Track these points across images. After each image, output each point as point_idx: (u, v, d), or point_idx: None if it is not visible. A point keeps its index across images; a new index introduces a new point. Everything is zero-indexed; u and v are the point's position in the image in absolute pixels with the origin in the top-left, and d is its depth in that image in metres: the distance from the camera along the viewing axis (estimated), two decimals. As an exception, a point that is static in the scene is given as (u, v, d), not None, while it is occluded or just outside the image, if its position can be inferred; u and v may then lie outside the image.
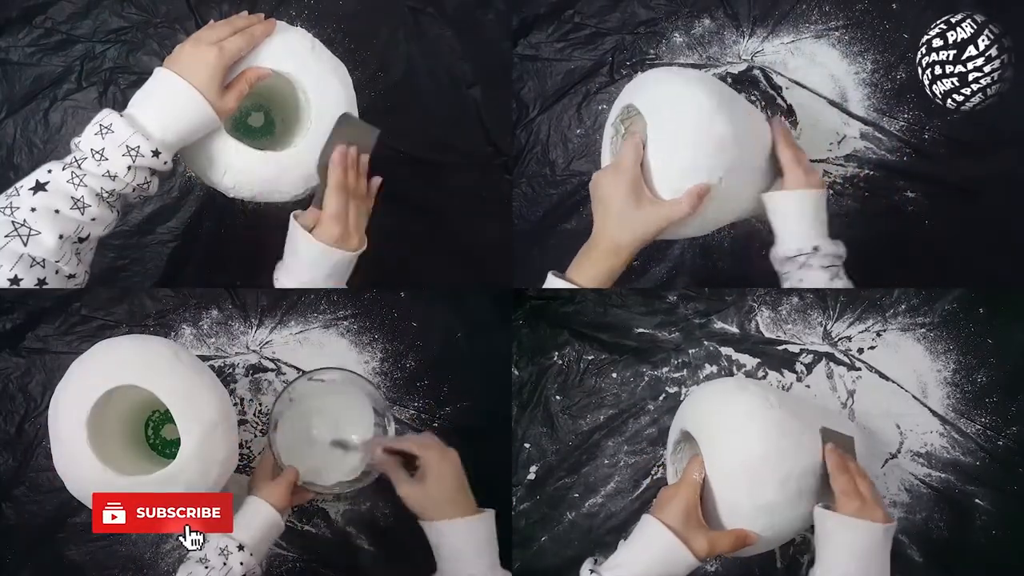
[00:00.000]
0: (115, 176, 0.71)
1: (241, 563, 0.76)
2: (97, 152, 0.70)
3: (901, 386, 0.97)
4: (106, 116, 0.72)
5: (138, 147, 0.71)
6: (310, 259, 0.77)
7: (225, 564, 0.75)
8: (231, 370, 0.97)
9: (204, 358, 0.97)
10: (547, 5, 1.04)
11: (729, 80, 1.01)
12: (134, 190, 0.73)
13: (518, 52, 1.04)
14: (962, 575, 0.92)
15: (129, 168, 0.71)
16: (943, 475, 0.94)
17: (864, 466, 0.79)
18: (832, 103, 1.00)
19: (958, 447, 0.95)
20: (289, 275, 0.78)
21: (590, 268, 0.79)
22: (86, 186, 0.69)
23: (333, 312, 1.00)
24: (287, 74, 0.79)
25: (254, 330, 0.99)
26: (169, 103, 0.73)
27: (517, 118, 1.03)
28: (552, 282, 0.80)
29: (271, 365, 0.98)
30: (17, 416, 0.95)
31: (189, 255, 0.99)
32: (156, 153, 0.72)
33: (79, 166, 0.70)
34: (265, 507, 0.80)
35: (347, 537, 0.94)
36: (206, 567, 0.75)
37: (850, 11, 1.01)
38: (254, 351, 0.98)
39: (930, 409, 0.96)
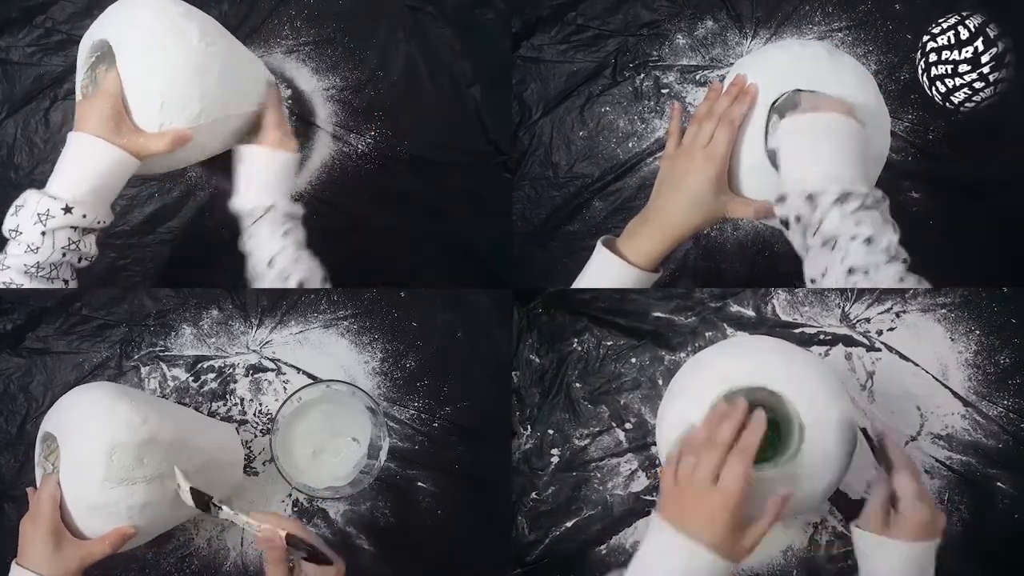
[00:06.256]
0: (36, 248, 0.70)
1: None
2: (13, 230, 0.71)
3: (922, 367, 0.95)
4: (21, 196, 0.72)
5: (47, 210, 0.70)
6: None
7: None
8: (231, 370, 0.97)
9: (204, 358, 0.97)
10: (550, 7, 1.04)
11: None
12: (65, 255, 0.72)
13: (521, 54, 1.04)
14: (984, 559, 0.90)
15: (43, 234, 0.70)
16: (964, 458, 0.92)
17: None
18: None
19: (980, 429, 0.93)
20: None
21: (646, 242, 0.78)
22: (8, 267, 0.70)
23: (333, 312, 0.99)
24: None
25: (254, 330, 0.99)
26: (70, 158, 0.73)
27: (520, 120, 1.03)
28: (602, 257, 0.79)
29: (271, 365, 0.97)
30: (18, 416, 0.95)
31: (189, 255, 0.99)
32: (68, 209, 0.70)
33: (2, 250, 0.72)
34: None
35: (347, 537, 0.94)
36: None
37: (853, 12, 1.01)
38: (254, 351, 0.98)
39: (951, 391, 0.94)
